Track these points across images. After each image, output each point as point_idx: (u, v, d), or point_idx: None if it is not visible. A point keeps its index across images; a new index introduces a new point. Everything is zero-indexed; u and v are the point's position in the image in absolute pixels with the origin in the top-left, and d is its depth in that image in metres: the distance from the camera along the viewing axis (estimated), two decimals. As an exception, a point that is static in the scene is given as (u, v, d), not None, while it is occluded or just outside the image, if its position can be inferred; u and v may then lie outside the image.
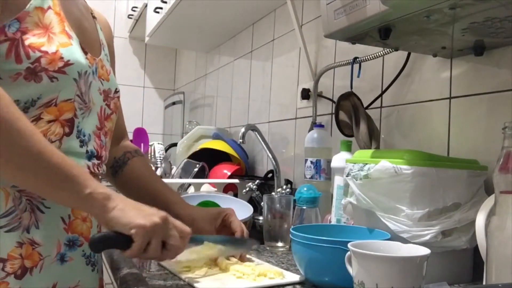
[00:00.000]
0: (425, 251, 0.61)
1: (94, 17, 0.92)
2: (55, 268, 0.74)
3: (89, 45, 0.83)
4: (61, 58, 0.73)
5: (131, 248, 0.68)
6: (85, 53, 0.79)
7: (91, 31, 0.88)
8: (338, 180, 1.10)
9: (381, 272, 0.58)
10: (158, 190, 0.97)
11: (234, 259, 0.89)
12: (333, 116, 1.21)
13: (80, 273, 0.78)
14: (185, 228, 0.74)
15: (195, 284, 0.75)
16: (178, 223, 0.73)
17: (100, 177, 0.87)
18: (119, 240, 0.68)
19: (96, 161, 0.82)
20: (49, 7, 0.74)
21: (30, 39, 0.71)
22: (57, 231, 0.75)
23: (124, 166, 0.99)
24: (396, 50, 1.01)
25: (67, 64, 0.74)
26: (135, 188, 0.96)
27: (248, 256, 0.94)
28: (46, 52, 0.71)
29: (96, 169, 0.82)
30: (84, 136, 0.79)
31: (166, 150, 2.51)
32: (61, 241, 0.76)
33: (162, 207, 0.76)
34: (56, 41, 0.73)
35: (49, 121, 0.73)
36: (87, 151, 0.79)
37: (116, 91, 0.91)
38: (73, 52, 0.75)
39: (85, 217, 0.80)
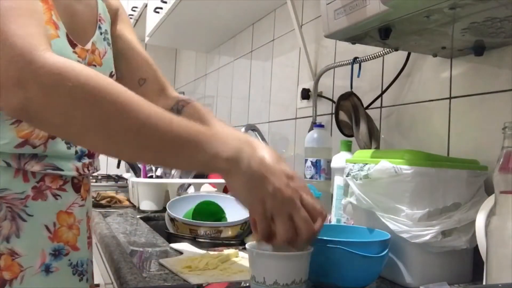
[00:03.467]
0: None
1: None
2: (38, 280, 0.70)
3: (80, 30, 0.76)
4: None
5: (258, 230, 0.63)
6: (74, 45, 0.73)
7: (85, 10, 0.80)
8: (338, 180, 1.10)
9: (267, 267, 0.64)
10: None
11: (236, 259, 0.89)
12: (333, 116, 1.21)
13: (67, 283, 0.74)
14: (316, 206, 0.65)
15: (196, 284, 0.75)
16: (309, 200, 0.65)
17: (89, 177, 0.83)
18: None
19: (87, 160, 0.78)
20: None
21: None
22: (41, 240, 0.71)
23: (180, 115, 0.89)
24: (396, 50, 1.01)
25: None
26: None
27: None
28: None
29: (85, 170, 0.78)
30: None
31: (166, 150, 2.51)
32: (46, 251, 0.71)
33: None
34: None
35: None
36: (76, 152, 0.75)
37: (112, 75, 0.84)
38: (60, 46, 0.70)
39: (71, 224, 0.75)
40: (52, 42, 0.68)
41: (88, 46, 0.79)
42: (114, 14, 0.92)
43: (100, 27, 0.84)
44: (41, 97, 0.53)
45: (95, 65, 0.80)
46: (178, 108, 0.93)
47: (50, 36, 0.68)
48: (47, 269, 0.71)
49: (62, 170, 0.73)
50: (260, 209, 0.62)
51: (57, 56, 0.55)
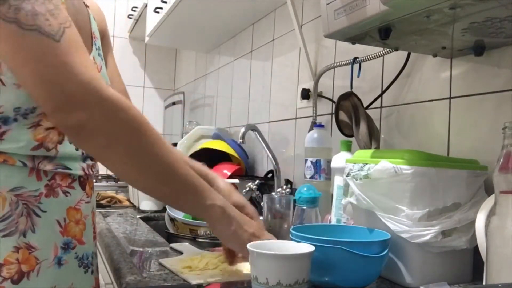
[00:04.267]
0: (308, 248, 0.68)
1: (86, 6, 0.90)
2: (52, 272, 0.74)
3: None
4: None
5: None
6: None
7: (83, 26, 0.85)
8: (338, 180, 1.10)
9: (270, 268, 0.65)
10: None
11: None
12: (333, 116, 1.21)
13: (73, 275, 0.78)
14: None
15: (196, 284, 0.75)
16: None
17: (93, 176, 0.87)
18: None
19: (90, 162, 0.83)
20: None
21: None
22: (53, 234, 0.75)
23: None
24: (396, 50, 1.01)
25: None
26: None
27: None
28: None
29: (90, 170, 0.82)
30: None
31: (166, 150, 2.51)
32: (58, 245, 0.75)
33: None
34: None
35: (48, 128, 0.73)
36: (82, 153, 0.80)
37: None
38: None
39: (78, 219, 0.79)
40: None
41: (90, 58, 0.83)
42: (102, 36, 0.95)
43: (95, 43, 0.88)
44: (101, 119, 0.65)
45: None
46: None
47: None
48: (59, 262, 0.75)
49: (70, 169, 0.78)
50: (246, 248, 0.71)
51: (115, 91, 0.68)
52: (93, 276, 0.83)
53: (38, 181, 0.74)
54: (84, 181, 0.82)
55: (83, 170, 0.80)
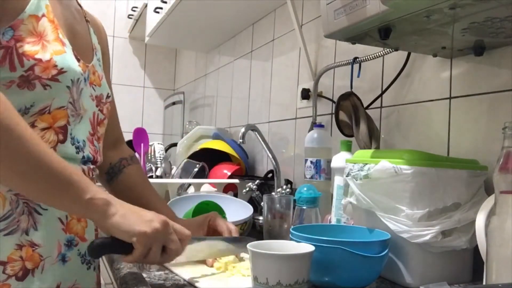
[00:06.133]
0: (308, 248, 0.69)
1: (87, 21, 0.92)
2: (57, 269, 0.75)
3: (81, 51, 0.83)
4: (55, 66, 0.73)
5: (132, 254, 0.69)
6: (78, 60, 0.80)
7: (84, 36, 0.88)
8: (338, 180, 1.10)
9: (270, 268, 0.65)
10: (148, 201, 0.97)
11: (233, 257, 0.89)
12: (333, 116, 1.21)
13: (77, 272, 0.79)
14: (185, 231, 0.75)
15: (196, 284, 0.75)
16: (178, 226, 0.74)
17: (96, 182, 0.88)
18: (119, 246, 0.69)
19: (91, 166, 0.84)
20: (43, 15, 0.74)
21: (24, 47, 0.70)
22: (56, 232, 0.76)
23: (119, 174, 1.00)
24: (396, 50, 1.01)
25: (61, 72, 0.74)
26: (128, 197, 0.96)
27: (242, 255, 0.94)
28: (40, 60, 0.71)
29: (90, 173, 0.83)
30: (78, 142, 0.80)
31: (166, 150, 2.51)
32: (61, 242, 0.76)
33: None
34: (50, 49, 0.73)
35: (43, 129, 0.74)
36: (83, 157, 0.81)
37: (108, 96, 0.91)
38: (67, 59, 0.76)
39: (80, 217, 0.80)
40: (60, 57, 0.74)
41: (90, 65, 0.85)
42: (102, 55, 0.96)
43: (96, 54, 0.90)
44: None
45: (95, 85, 0.86)
46: (120, 167, 1.01)
47: (57, 51, 0.74)
48: (63, 259, 0.77)
49: None
50: (143, 239, 0.68)
51: None
52: (95, 273, 0.85)
53: None
54: None
55: (83, 172, 0.81)
